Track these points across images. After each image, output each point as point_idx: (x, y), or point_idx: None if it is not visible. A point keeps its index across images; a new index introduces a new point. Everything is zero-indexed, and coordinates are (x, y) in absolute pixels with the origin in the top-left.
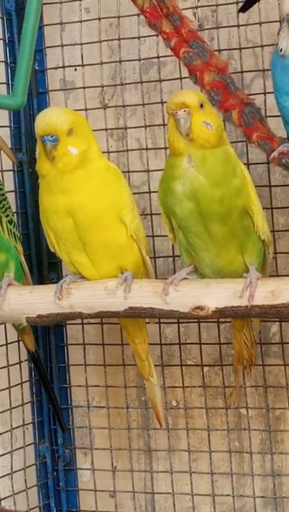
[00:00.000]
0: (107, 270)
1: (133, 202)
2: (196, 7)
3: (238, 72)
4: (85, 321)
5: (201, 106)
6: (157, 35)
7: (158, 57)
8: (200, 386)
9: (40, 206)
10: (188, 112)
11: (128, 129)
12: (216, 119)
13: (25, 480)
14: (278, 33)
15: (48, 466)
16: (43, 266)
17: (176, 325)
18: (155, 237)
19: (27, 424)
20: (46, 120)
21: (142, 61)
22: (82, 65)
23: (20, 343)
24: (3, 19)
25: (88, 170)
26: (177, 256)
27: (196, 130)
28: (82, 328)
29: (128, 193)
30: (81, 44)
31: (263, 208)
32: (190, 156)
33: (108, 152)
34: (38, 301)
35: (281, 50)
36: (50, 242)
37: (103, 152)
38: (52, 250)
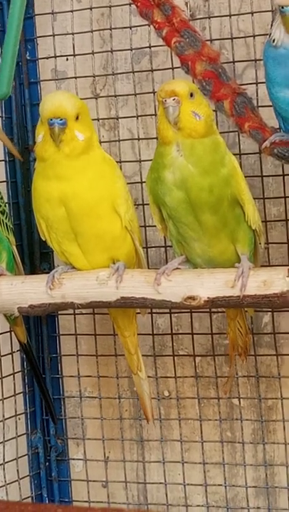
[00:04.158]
0: (98, 261)
1: (128, 192)
2: None
3: (230, 62)
4: (77, 311)
5: (191, 95)
6: (149, 25)
7: (150, 47)
8: (192, 376)
9: (32, 193)
10: (177, 101)
11: (120, 119)
12: (205, 110)
13: (18, 470)
14: (272, 24)
15: (40, 456)
16: (35, 256)
17: (168, 315)
18: (147, 228)
19: (19, 415)
20: (56, 103)
21: (133, 51)
22: (74, 55)
23: (12, 333)
24: None
25: (87, 159)
26: (169, 246)
27: (184, 119)
28: (74, 318)
29: (123, 183)
30: (72, 34)
31: (255, 198)
32: (178, 144)
33: (100, 142)
34: (29, 291)
35: (274, 40)
36: (41, 231)
37: None
38: (43, 239)
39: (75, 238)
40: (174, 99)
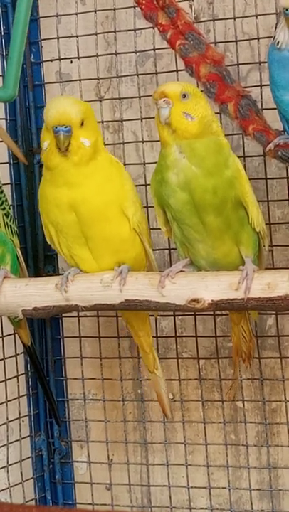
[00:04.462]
0: (108, 264)
1: (136, 194)
2: None
3: (234, 65)
4: (81, 313)
5: (184, 96)
6: (153, 28)
7: (154, 50)
8: (196, 379)
9: (40, 198)
10: (166, 102)
11: (124, 122)
12: (200, 111)
13: (21, 473)
14: (276, 26)
15: (44, 458)
16: (39, 259)
17: (172, 318)
18: (151, 230)
19: (23, 417)
20: (60, 110)
21: (138, 53)
22: (78, 58)
23: (16, 335)
24: None
25: (95, 163)
26: (173, 249)
27: (174, 120)
28: (78, 320)
29: (130, 185)
30: (77, 36)
31: (259, 201)
32: (179, 146)
33: (104, 145)
34: (34, 293)
35: (278, 43)
36: (48, 235)
37: None
38: (48, 242)
39: (85, 242)
40: (164, 101)
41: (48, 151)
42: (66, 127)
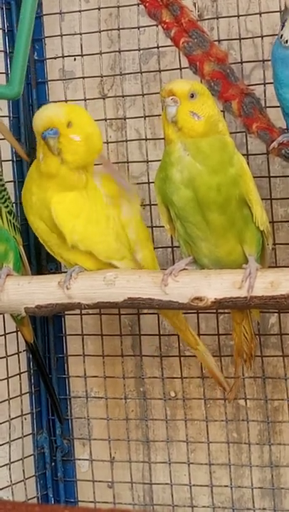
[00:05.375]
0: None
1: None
2: None
3: (238, 63)
4: (83, 311)
5: (192, 96)
6: (157, 25)
7: (158, 47)
8: (198, 377)
9: (28, 212)
10: (174, 100)
11: (127, 120)
12: (207, 111)
13: (24, 470)
14: (282, 25)
15: (46, 456)
16: (42, 256)
17: None
18: (154, 228)
19: (25, 415)
20: (42, 116)
21: (141, 51)
22: (82, 55)
23: (19, 333)
24: (2, 9)
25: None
26: (176, 247)
27: (181, 119)
28: (81, 318)
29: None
30: (80, 34)
31: (263, 199)
32: (183, 143)
33: (107, 142)
34: (36, 291)
35: (287, 41)
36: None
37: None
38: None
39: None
40: (171, 99)
41: (45, 160)
42: (52, 130)
